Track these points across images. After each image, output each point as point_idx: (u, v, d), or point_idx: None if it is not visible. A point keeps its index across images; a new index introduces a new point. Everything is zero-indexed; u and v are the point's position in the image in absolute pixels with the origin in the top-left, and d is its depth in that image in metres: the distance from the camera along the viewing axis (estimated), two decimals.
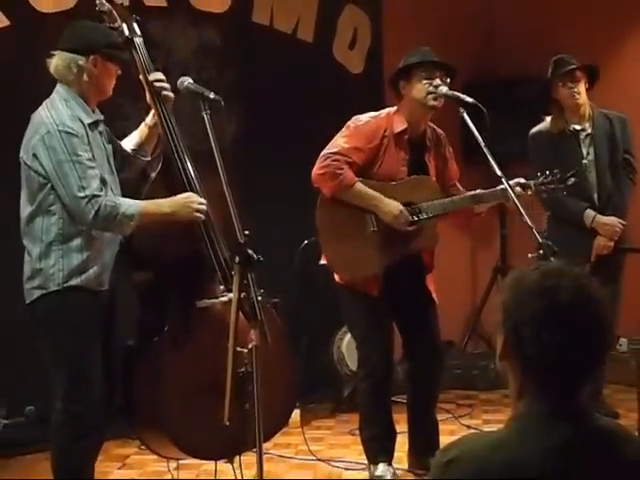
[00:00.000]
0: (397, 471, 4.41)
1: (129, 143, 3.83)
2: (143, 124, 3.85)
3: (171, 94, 3.77)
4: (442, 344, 4.55)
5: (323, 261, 4.37)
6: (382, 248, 4.23)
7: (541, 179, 4.28)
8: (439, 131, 4.44)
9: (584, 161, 5.02)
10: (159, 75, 3.79)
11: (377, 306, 4.29)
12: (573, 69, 4.94)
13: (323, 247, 4.33)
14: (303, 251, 5.28)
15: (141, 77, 3.78)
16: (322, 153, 4.23)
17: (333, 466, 4.66)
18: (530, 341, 1.72)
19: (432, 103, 4.18)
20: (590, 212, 5.01)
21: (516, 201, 3.89)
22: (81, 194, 3.44)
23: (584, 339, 1.73)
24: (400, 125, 4.26)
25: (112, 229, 3.55)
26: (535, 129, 5.12)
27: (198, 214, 3.61)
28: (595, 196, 5.05)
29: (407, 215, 4.19)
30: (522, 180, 4.23)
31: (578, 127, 5.04)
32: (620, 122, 5.11)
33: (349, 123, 4.29)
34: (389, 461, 4.41)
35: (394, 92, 4.34)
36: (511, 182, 4.13)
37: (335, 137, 4.27)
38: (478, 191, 4.28)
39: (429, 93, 4.17)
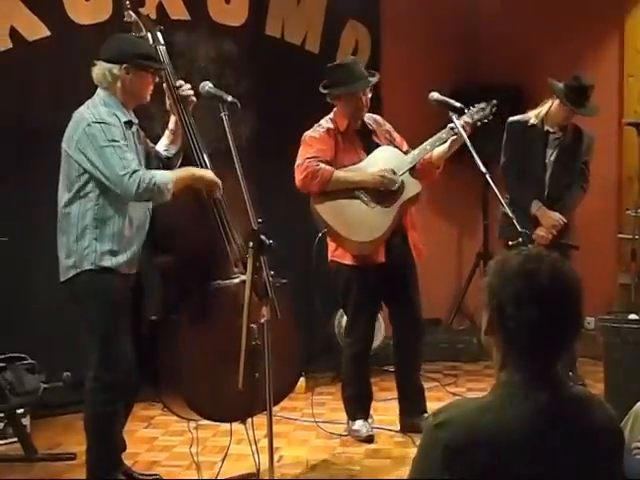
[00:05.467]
0: (389, 432, 4.42)
1: (161, 146, 3.86)
2: (167, 130, 3.88)
3: (194, 97, 3.77)
4: (422, 318, 4.50)
5: (331, 252, 4.36)
6: (381, 214, 4.26)
7: (476, 108, 4.32)
8: (374, 116, 4.51)
9: (546, 160, 5.00)
10: (182, 83, 3.79)
11: (368, 288, 4.32)
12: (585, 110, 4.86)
13: (331, 235, 4.30)
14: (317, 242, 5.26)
15: (164, 84, 3.78)
16: (296, 165, 4.26)
17: (332, 430, 4.65)
18: (512, 318, 1.71)
19: (360, 114, 4.31)
20: (537, 202, 4.96)
21: (464, 136, 3.99)
22: (123, 172, 3.44)
23: (560, 316, 1.73)
24: (343, 122, 4.35)
25: (154, 198, 3.54)
26: (514, 117, 5.05)
27: (219, 181, 3.64)
28: (546, 192, 5.00)
29: (389, 170, 4.24)
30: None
31: (551, 130, 5.01)
32: (588, 137, 5.05)
33: (302, 139, 4.33)
34: (365, 418, 4.45)
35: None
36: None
37: (298, 154, 4.29)
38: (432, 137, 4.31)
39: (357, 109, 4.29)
